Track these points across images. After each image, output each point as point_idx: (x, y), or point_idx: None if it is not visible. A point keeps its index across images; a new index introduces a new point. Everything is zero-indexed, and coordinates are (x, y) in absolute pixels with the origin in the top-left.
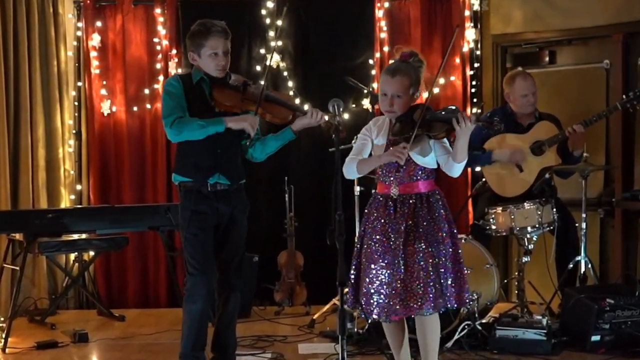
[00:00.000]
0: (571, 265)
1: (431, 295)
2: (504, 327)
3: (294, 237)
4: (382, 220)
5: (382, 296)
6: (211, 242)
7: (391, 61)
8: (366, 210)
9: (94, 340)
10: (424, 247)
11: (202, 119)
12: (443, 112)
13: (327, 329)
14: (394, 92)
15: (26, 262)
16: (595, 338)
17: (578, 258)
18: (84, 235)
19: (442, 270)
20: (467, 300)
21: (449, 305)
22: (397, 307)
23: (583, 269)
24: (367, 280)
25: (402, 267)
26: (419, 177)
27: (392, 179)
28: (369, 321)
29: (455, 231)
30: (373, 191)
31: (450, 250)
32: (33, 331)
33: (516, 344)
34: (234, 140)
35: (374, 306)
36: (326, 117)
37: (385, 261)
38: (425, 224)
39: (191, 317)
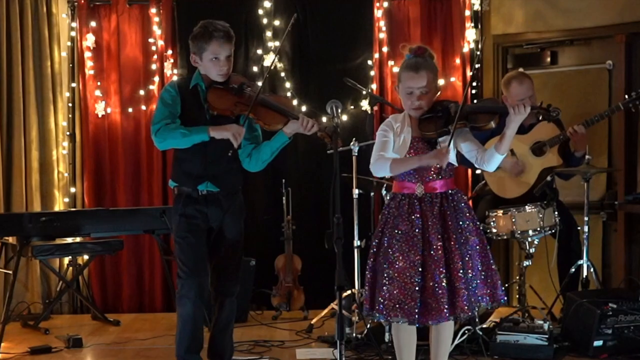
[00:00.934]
0: (573, 270)
1: (463, 301)
2: (505, 332)
3: (292, 240)
4: (406, 221)
5: (406, 299)
6: (202, 244)
7: (407, 57)
8: (385, 211)
9: (88, 346)
10: (454, 248)
11: (186, 127)
12: (484, 104)
13: (325, 334)
14: (421, 87)
15: (19, 266)
16: (598, 343)
17: (580, 262)
18: (78, 239)
19: (470, 271)
20: (502, 297)
21: (483, 305)
22: (427, 313)
23: (585, 273)
24: (393, 282)
25: (437, 269)
26: (444, 175)
27: (417, 177)
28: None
29: (480, 228)
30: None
31: (478, 248)
32: (26, 336)
33: (517, 349)
34: (226, 150)
35: (402, 310)
36: (315, 128)
37: (412, 261)
38: (452, 223)
39: (182, 321)
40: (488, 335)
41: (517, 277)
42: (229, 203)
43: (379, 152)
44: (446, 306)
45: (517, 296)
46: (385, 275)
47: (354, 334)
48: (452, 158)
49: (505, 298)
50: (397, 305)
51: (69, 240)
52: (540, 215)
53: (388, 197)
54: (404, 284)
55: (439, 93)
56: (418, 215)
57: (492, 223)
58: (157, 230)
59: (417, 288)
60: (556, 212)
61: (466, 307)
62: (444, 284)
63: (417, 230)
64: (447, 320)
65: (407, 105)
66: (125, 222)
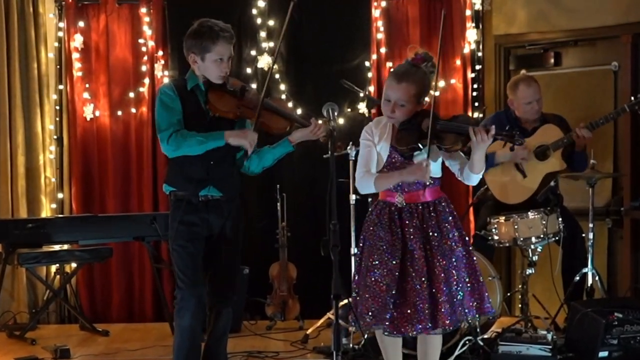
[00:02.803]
0: (578, 278)
1: (445, 313)
2: (507, 343)
3: (287, 248)
4: (387, 230)
5: (384, 308)
6: (201, 254)
7: (405, 61)
8: (367, 219)
9: (76, 357)
10: (436, 261)
11: (201, 134)
12: (454, 122)
13: (321, 345)
14: (397, 100)
15: (5, 274)
16: (603, 354)
17: (585, 270)
18: (65, 246)
19: (455, 283)
20: (489, 309)
21: (469, 317)
22: (406, 322)
23: (590, 282)
24: (368, 290)
25: (415, 282)
26: (425, 185)
27: (397, 186)
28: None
29: (467, 238)
30: (370, 199)
31: (464, 259)
32: (12, 347)
33: None
34: (228, 153)
35: (375, 318)
36: (324, 131)
37: (390, 270)
38: (435, 235)
39: (180, 333)
40: (489, 345)
41: (520, 286)
42: (229, 209)
43: (363, 168)
44: (427, 317)
45: (520, 305)
46: (364, 284)
47: (351, 345)
48: (435, 171)
49: (493, 310)
50: (371, 314)
51: (56, 247)
52: (544, 222)
53: (371, 204)
54: (379, 292)
55: (424, 105)
56: (398, 225)
57: (493, 230)
58: (147, 237)
59: (390, 299)
60: (560, 219)
61: (447, 321)
62: (425, 295)
63: (397, 240)
64: (429, 332)
65: (383, 111)
66: (115, 228)
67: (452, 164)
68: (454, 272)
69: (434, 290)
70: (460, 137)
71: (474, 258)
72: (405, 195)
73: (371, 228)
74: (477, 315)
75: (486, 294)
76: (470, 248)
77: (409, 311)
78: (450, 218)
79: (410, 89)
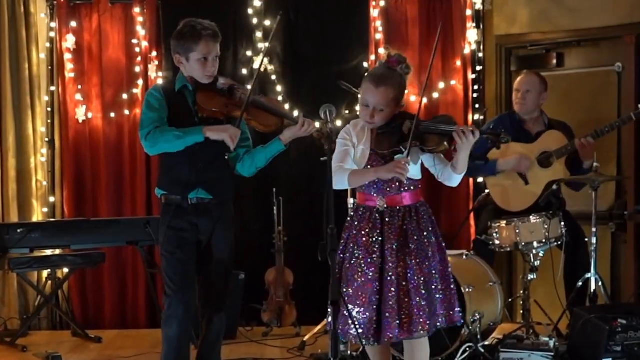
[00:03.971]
0: (580, 283)
1: (424, 317)
2: (509, 350)
3: (283, 252)
4: (367, 234)
5: (366, 316)
6: (191, 260)
7: (378, 63)
8: (347, 224)
9: None
10: (414, 264)
11: (179, 129)
12: (437, 124)
13: (318, 352)
14: (376, 105)
15: None
16: None
17: (588, 275)
18: (57, 251)
19: (433, 288)
20: (458, 319)
21: (439, 325)
22: (386, 329)
23: (593, 287)
24: (348, 299)
25: (394, 286)
26: (406, 189)
27: (377, 190)
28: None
29: (443, 245)
30: (353, 202)
31: (440, 266)
32: (3, 354)
33: None
34: (219, 154)
35: (356, 327)
36: (317, 124)
37: (369, 278)
38: (415, 238)
39: (167, 343)
40: (490, 352)
41: (521, 292)
42: (220, 213)
43: (338, 162)
44: (406, 322)
45: (521, 312)
46: (345, 293)
47: (349, 352)
48: (414, 173)
49: (462, 321)
50: (354, 325)
51: (48, 252)
52: (546, 226)
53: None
54: (362, 302)
55: (402, 108)
56: (379, 230)
57: (494, 234)
58: (141, 242)
59: (374, 307)
60: (562, 223)
61: (427, 325)
62: (402, 299)
63: (376, 245)
64: (409, 337)
65: (361, 116)
66: (108, 233)
67: (432, 165)
68: (433, 277)
69: (413, 295)
70: (444, 139)
71: (449, 267)
72: (387, 199)
73: (352, 234)
74: (446, 324)
75: (456, 302)
76: (446, 255)
77: (387, 315)
78: (429, 224)
79: (388, 93)
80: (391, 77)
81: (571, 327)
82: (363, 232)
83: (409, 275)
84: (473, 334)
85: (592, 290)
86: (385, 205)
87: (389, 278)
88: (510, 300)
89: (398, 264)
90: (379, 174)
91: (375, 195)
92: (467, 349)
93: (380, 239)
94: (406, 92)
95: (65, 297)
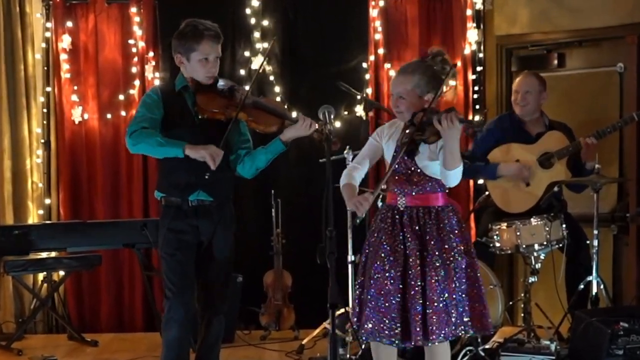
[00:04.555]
0: (582, 286)
1: (442, 322)
2: (509, 353)
3: (281, 255)
4: (388, 234)
5: (386, 317)
6: (191, 262)
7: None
8: (372, 224)
9: None
10: (431, 267)
11: (164, 138)
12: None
13: (317, 355)
14: (396, 93)
15: None
16: None
17: (589, 278)
18: (53, 254)
19: (454, 293)
20: (490, 326)
21: (464, 332)
22: (401, 331)
23: (595, 290)
24: (370, 298)
25: (415, 289)
26: (428, 189)
27: (399, 188)
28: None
29: (472, 249)
30: (380, 203)
31: (464, 271)
32: None
33: None
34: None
35: (374, 327)
36: (316, 126)
37: (390, 279)
38: (433, 242)
39: (167, 346)
40: (491, 356)
41: (522, 295)
42: (220, 214)
43: (353, 162)
44: (419, 328)
45: (522, 315)
46: (367, 293)
47: (348, 355)
48: (434, 170)
49: (493, 331)
50: (381, 326)
51: (44, 255)
52: (547, 229)
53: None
54: (385, 302)
55: (428, 100)
56: (399, 228)
57: (495, 236)
58: (137, 244)
59: (395, 307)
60: (564, 225)
61: (443, 333)
62: (419, 304)
63: (400, 245)
64: (429, 343)
65: (392, 107)
66: (104, 235)
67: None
68: (454, 282)
69: (427, 300)
70: (434, 128)
71: (478, 272)
72: (407, 198)
73: (375, 233)
74: (475, 332)
75: (486, 311)
76: (473, 260)
77: (410, 320)
78: (456, 228)
79: (407, 82)
80: (414, 67)
81: (572, 330)
82: (385, 231)
83: (427, 278)
84: (473, 338)
85: (593, 293)
86: (405, 204)
87: (411, 280)
88: (510, 303)
89: (417, 265)
90: (347, 204)
91: (398, 192)
92: (468, 352)
93: (402, 238)
94: (445, 89)
95: (61, 300)
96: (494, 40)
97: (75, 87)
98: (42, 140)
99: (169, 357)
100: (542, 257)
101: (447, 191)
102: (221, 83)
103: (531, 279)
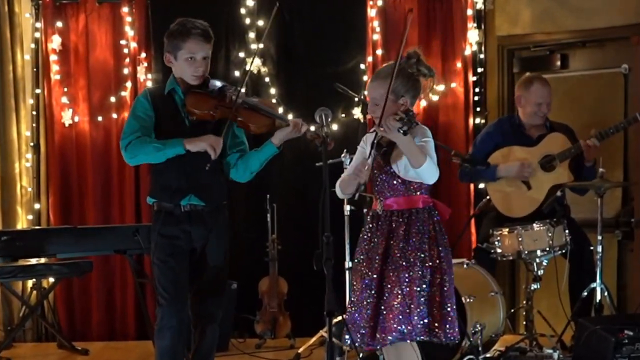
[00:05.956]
0: (585, 293)
1: (396, 323)
2: None
3: (277, 261)
4: (366, 241)
5: (358, 322)
6: (184, 268)
7: None
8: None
9: None
10: (395, 270)
11: (160, 141)
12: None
13: None
14: (372, 98)
15: None
16: None
17: (593, 285)
18: (42, 260)
19: (416, 297)
20: (455, 335)
21: (427, 338)
22: (368, 336)
23: (599, 297)
24: (352, 303)
25: (378, 292)
26: (401, 192)
27: (378, 192)
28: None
29: (442, 254)
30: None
31: (429, 276)
32: None
33: None
34: (209, 158)
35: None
36: (312, 128)
37: (364, 284)
38: (401, 244)
39: (160, 354)
40: None
41: (524, 302)
42: (214, 220)
43: (346, 171)
44: (385, 330)
45: (524, 322)
46: (351, 298)
47: None
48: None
49: (457, 340)
50: (357, 330)
51: (33, 261)
52: (550, 234)
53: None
54: (361, 306)
55: (403, 105)
56: (378, 234)
57: (496, 242)
58: (129, 251)
59: (369, 311)
60: (567, 231)
61: (408, 328)
62: (374, 305)
63: (377, 250)
64: (389, 343)
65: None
66: (95, 241)
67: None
68: (416, 286)
69: (385, 301)
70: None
71: (445, 277)
72: (384, 203)
73: (361, 240)
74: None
75: (449, 318)
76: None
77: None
78: (428, 230)
79: (380, 87)
80: (387, 72)
81: (576, 338)
82: (365, 237)
83: (390, 282)
84: (474, 346)
85: (597, 301)
86: (382, 209)
87: (374, 284)
88: (512, 310)
89: (383, 270)
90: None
91: (377, 197)
92: None
93: (378, 242)
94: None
95: (51, 307)
96: (495, 40)
97: (66, 89)
98: (32, 144)
99: None
100: (544, 263)
101: (425, 193)
102: (213, 83)
103: (533, 286)
